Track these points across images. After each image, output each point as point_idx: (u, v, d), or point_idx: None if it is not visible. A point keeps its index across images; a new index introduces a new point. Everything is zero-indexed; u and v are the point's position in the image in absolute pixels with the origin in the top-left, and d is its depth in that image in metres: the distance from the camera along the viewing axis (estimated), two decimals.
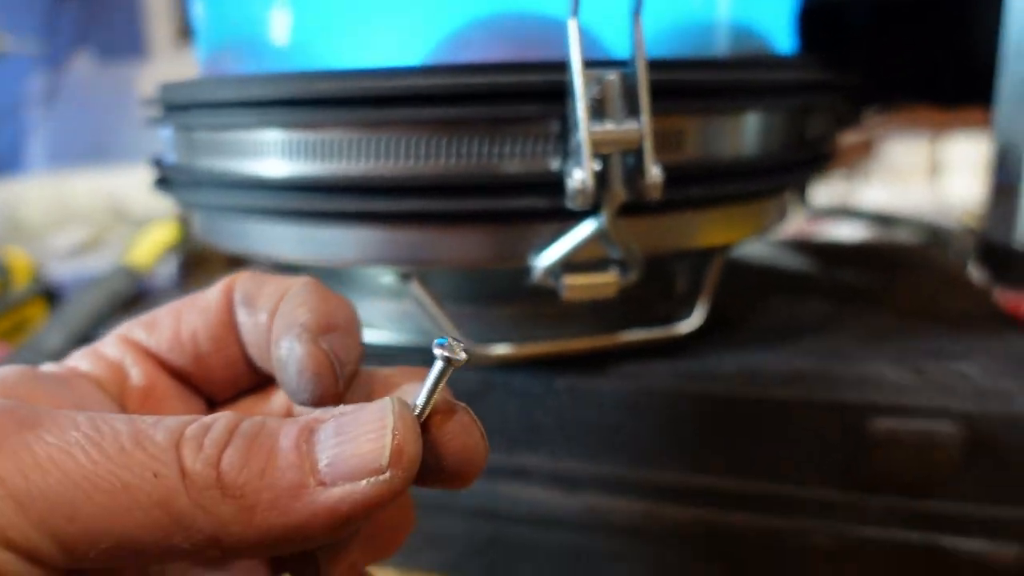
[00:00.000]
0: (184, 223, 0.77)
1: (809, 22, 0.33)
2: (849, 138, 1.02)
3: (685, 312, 0.32)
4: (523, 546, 0.31)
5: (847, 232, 0.77)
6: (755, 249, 0.48)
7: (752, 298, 0.38)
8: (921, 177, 1.01)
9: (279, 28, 0.29)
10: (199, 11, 0.33)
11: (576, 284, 0.27)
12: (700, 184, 0.27)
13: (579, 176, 0.23)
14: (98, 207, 0.87)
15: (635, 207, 0.26)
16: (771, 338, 0.32)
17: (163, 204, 0.88)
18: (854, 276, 0.42)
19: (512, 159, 0.25)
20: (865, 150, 1.06)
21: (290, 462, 0.14)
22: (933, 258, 0.47)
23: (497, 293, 0.32)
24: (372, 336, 0.34)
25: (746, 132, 0.28)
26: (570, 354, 0.29)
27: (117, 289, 0.68)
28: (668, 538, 0.29)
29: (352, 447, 0.14)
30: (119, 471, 0.14)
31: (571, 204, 0.24)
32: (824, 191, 0.94)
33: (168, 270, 0.79)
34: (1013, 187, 0.30)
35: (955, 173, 1.01)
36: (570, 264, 0.27)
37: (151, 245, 0.77)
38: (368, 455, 0.14)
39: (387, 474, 0.14)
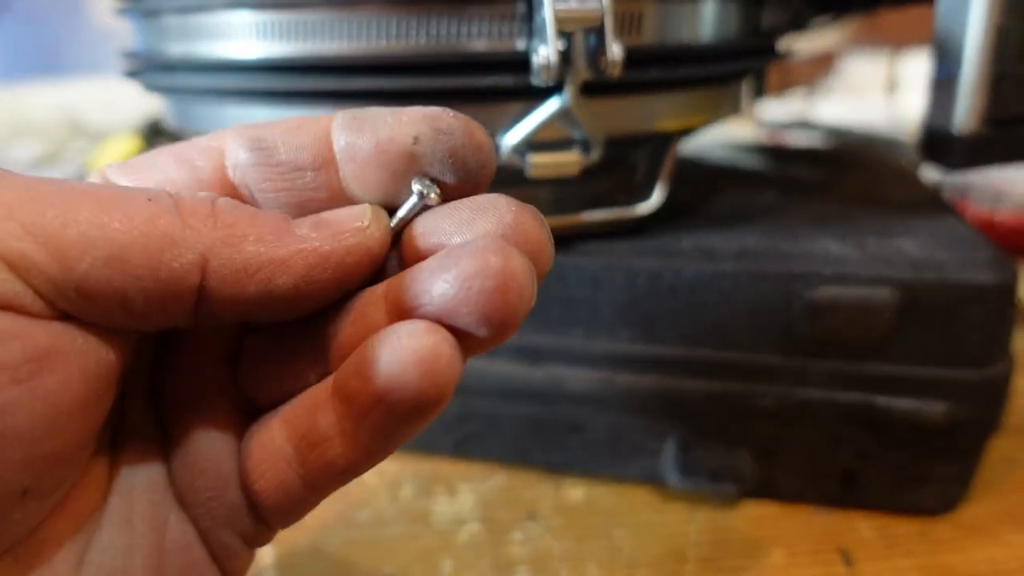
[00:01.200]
0: (144, 136, 0.76)
1: None
2: (810, 54, 1.04)
3: (644, 197, 0.33)
4: (490, 419, 0.33)
5: (808, 141, 0.78)
6: (712, 150, 0.50)
7: (707, 190, 0.39)
8: (880, 93, 1.03)
9: None
10: None
11: (541, 162, 0.28)
12: (658, 67, 0.28)
13: (544, 52, 0.24)
14: (54, 121, 0.85)
15: (597, 87, 0.27)
16: (723, 222, 0.34)
17: (121, 117, 0.86)
18: (805, 172, 0.44)
19: (479, 38, 0.26)
20: (825, 66, 1.07)
21: (276, 217, 0.16)
22: (883, 159, 0.49)
23: None
24: None
25: (702, 18, 0.29)
26: None
27: None
28: (624, 405, 0.31)
29: (334, 215, 0.16)
30: (115, 191, 0.15)
31: (536, 80, 0.25)
32: (784, 107, 0.95)
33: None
34: (952, 76, 0.32)
35: (913, 89, 1.03)
36: (535, 143, 0.28)
37: (111, 159, 0.76)
38: (348, 215, 0.16)
39: (367, 227, 0.16)
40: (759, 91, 0.42)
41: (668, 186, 0.32)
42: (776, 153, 0.50)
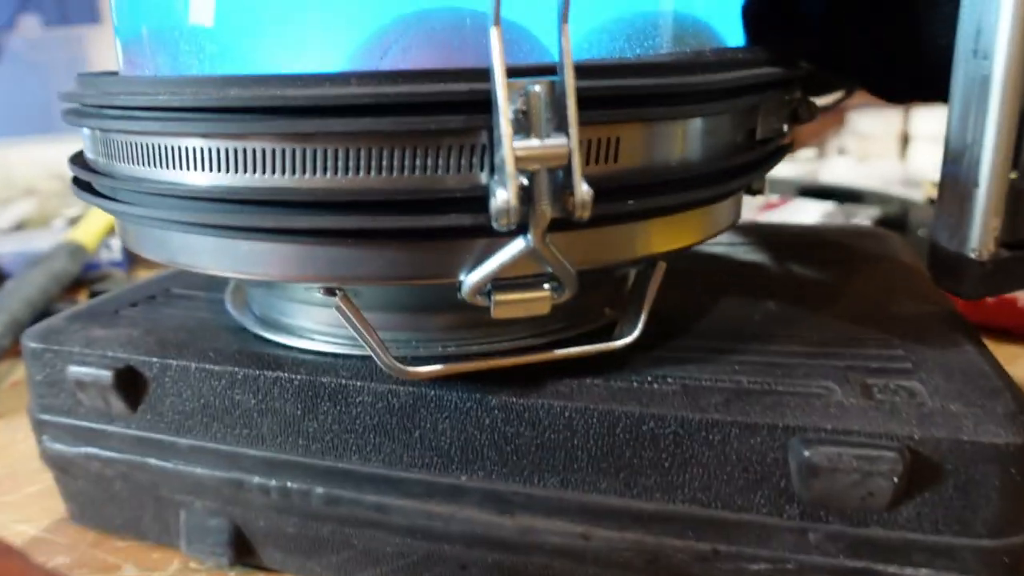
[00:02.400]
0: None
1: (758, 11, 0.31)
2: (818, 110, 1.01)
3: (629, 315, 0.30)
4: (458, 565, 0.30)
5: (813, 208, 0.76)
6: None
7: (698, 298, 0.36)
8: (892, 148, 1.00)
9: (195, 18, 0.27)
10: None
11: (507, 301, 0.25)
12: (638, 195, 0.25)
13: (502, 196, 0.22)
14: (44, 180, 0.84)
15: (568, 222, 0.24)
16: (714, 348, 0.31)
17: None
18: (808, 268, 0.41)
19: (436, 173, 0.23)
20: (835, 122, 1.05)
21: None
22: (892, 245, 0.46)
23: (430, 303, 0.30)
24: (307, 344, 0.32)
25: (688, 137, 0.27)
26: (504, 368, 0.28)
27: (60, 269, 0.65)
28: (604, 561, 0.28)
29: None
30: None
31: (496, 225, 0.22)
32: (793, 167, 0.93)
33: (116, 247, 0.76)
34: (967, 191, 0.29)
35: (926, 144, 1.00)
36: (501, 280, 0.25)
37: (97, 222, 0.74)
38: None
39: None
40: (759, 191, 0.39)
41: (650, 311, 0.29)
42: (778, 238, 0.47)
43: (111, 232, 0.71)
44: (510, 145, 0.21)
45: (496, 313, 0.25)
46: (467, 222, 0.23)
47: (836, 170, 0.89)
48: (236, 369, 0.31)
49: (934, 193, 0.72)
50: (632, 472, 0.27)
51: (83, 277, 0.70)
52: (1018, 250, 0.29)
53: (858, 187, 0.79)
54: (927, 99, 0.32)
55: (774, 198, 0.79)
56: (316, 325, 0.32)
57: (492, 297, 0.25)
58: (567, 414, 0.27)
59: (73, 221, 0.79)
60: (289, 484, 0.31)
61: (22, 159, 0.84)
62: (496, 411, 0.28)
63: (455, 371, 0.27)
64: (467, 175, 0.23)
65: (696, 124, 0.27)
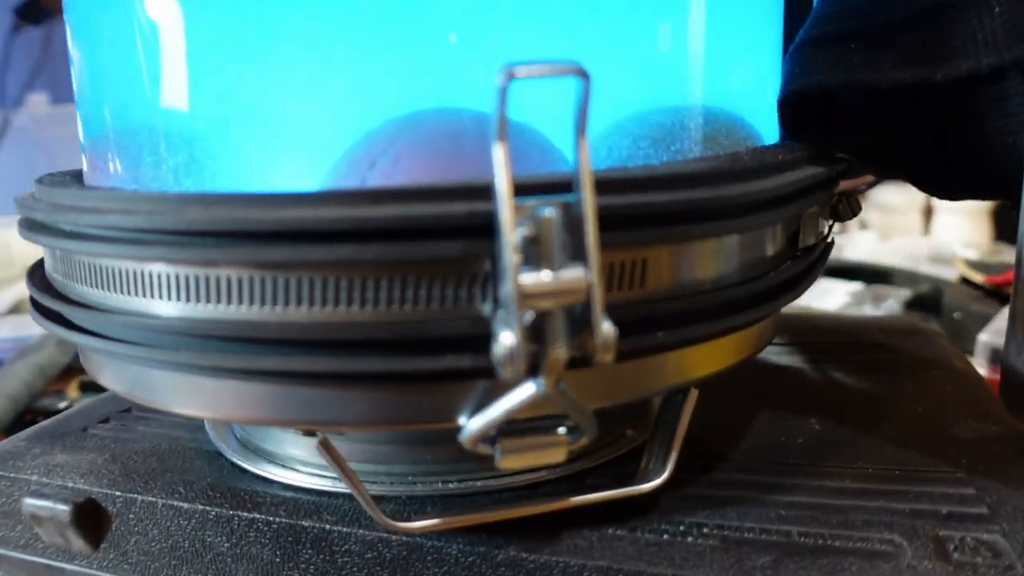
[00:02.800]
0: None
1: (797, 103, 0.28)
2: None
3: (657, 449, 0.26)
4: None
5: (839, 289, 0.72)
6: None
7: (729, 416, 0.32)
8: (915, 222, 0.96)
9: (158, 120, 0.24)
10: (78, 89, 0.28)
11: (514, 448, 0.21)
12: (669, 325, 0.22)
13: (507, 340, 0.18)
14: None
15: (587, 361, 0.20)
16: (755, 483, 0.27)
17: None
18: (851, 376, 0.37)
19: (429, 307, 0.20)
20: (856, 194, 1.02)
21: None
22: (939, 346, 0.42)
23: (428, 434, 0.26)
24: (289, 478, 0.28)
25: (726, 254, 0.23)
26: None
27: (46, 361, 0.62)
28: None
29: None
30: None
31: (500, 372, 0.19)
32: None
33: None
34: None
35: (951, 216, 0.97)
36: (508, 425, 0.21)
37: None
38: None
39: None
40: None
41: (681, 447, 0.26)
42: (812, 336, 0.43)
43: None
44: (516, 279, 0.18)
45: (503, 463, 0.21)
46: (466, 364, 0.20)
47: (859, 246, 0.85)
48: (208, 508, 0.27)
49: (967, 272, 0.67)
50: None
51: (74, 365, 0.67)
52: None
53: (885, 265, 0.75)
54: (988, 197, 0.29)
55: None
56: (302, 453, 0.29)
57: (497, 445, 0.21)
58: (587, 575, 0.23)
59: None
60: None
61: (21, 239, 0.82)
62: (504, 568, 0.24)
63: (453, 525, 0.23)
64: (466, 309, 0.20)
65: (732, 239, 0.23)
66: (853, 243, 0.87)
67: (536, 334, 0.19)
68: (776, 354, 0.41)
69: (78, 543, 0.29)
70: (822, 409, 0.33)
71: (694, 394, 0.26)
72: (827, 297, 0.69)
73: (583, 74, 0.17)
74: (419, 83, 0.22)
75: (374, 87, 0.22)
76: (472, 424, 0.21)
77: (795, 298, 0.26)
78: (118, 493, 0.29)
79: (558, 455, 0.22)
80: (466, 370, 0.20)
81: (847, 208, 0.33)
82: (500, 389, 0.20)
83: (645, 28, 0.24)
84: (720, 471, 0.28)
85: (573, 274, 0.18)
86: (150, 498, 0.28)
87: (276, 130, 0.22)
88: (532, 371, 0.20)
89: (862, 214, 0.99)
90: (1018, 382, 0.26)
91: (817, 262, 0.28)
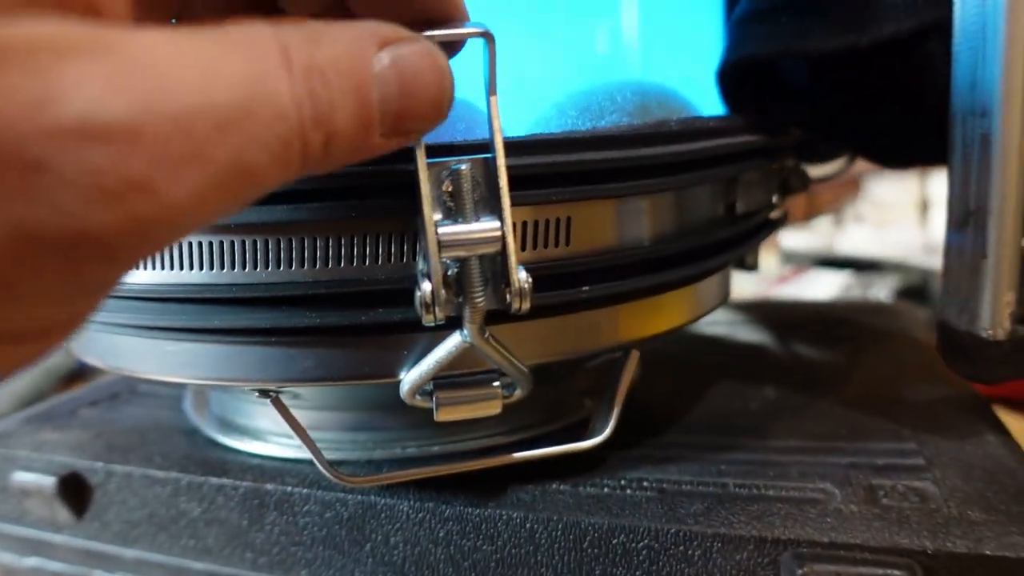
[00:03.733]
0: None
1: (733, 76, 0.29)
2: (833, 176, 0.98)
3: (602, 410, 0.27)
4: None
5: (829, 279, 0.72)
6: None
7: (689, 386, 0.33)
8: (911, 215, 0.96)
9: None
10: None
11: (451, 400, 0.23)
12: (595, 280, 0.23)
13: (427, 287, 0.19)
14: None
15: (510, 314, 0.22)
16: (701, 444, 0.28)
17: None
18: (814, 349, 0.38)
19: (364, 264, 0.21)
20: (852, 189, 1.02)
21: None
22: (907, 320, 0.42)
23: (386, 402, 0.28)
24: (257, 448, 0.30)
25: (652, 215, 0.24)
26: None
27: (53, 363, 0.64)
28: None
29: None
30: None
31: (424, 320, 0.20)
32: (809, 236, 0.90)
33: None
34: (974, 263, 0.26)
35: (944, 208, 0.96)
36: (444, 378, 0.23)
37: None
38: None
39: None
40: (751, 267, 0.36)
41: (623, 406, 0.27)
42: (784, 316, 0.44)
43: None
44: (433, 230, 0.19)
45: (440, 415, 0.23)
46: (396, 317, 0.21)
47: (854, 239, 0.85)
48: (181, 475, 0.29)
49: None
50: None
51: (83, 368, 0.69)
52: None
53: (876, 257, 0.76)
54: (928, 162, 0.30)
55: (787, 270, 0.76)
56: (270, 424, 0.30)
57: (434, 397, 0.23)
58: (528, 526, 0.24)
59: None
60: None
61: None
62: (451, 522, 0.25)
63: (397, 479, 0.25)
64: (397, 265, 0.21)
65: (659, 200, 0.24)
66: (847, 236, 0.87)
67: (457, 288, 0.20)
68: (742, 332, 0.42)
69: (63, 514, 0.31)
70: (780, 379, 0.34)
71: (635, 355, 0.27)
72: (816, 288, 0.69)
73: (488, 36, 0.18)
74: None
75: None
76: (408, 376, 0.22)
77: (728, 261, 0.27)
78: (99, 465, 0.30)
79: (493, 407, 0.23)
80: (398, 323, 0.21)
81: (798, 180, 0.34)
82: (435, 343, 0.22)
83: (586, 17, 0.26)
84: (669, 435, 0.29)
85: (487, 225, 0.19)
86: (129, 468, 0.30)
87: None
88: (457, 323, 0.21)
89: (858, 208, 0.98)
90: (953, 337, 0.27)
91: (758, 229, 0.29)
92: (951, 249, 0.27)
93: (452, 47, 0.18)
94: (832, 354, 0.37)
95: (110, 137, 0.11)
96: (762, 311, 0.46)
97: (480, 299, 0.20)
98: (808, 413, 0.30)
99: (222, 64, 0.13)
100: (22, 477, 0.32)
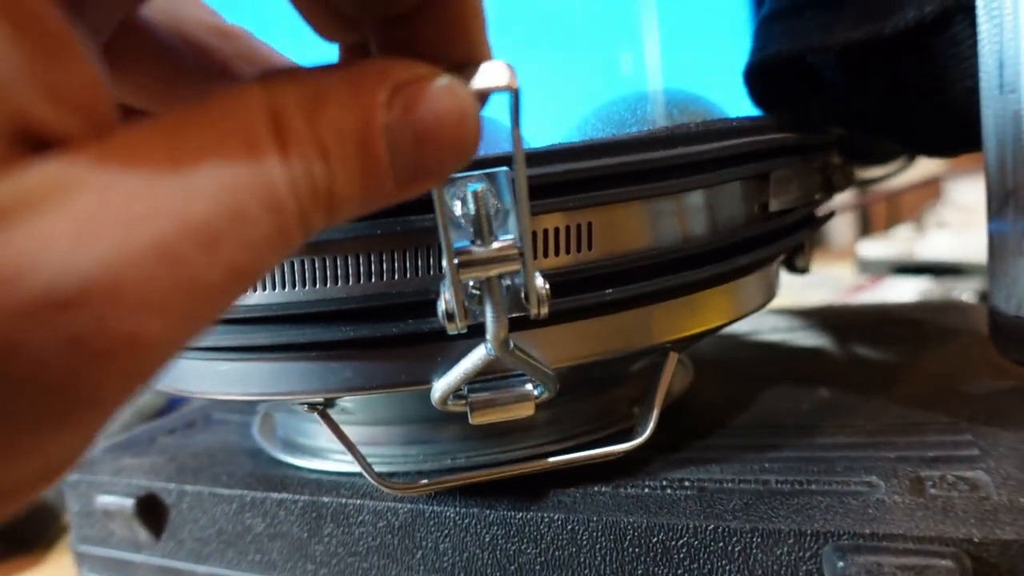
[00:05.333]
0: None
1: (761, 73, 0.29)
2: (913, 182, 0.95)
3: (643, 414, 0.28)
4: None
5: (908, 286, 0.70)
6: (767, 323, 0.43)
7: (738, 391, 0.33)
8: None
9: None
10: None
11: (483, 403, 0.23)
12: (620, 282, 0.23)
13: (445, 302, 0.20)
14: None
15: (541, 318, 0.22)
16: (747, 445, 0.28)
17: None
18: (873, 349, 0.37)
19: (393, 279, 0.22)
20: (932, 194, 0.98)
21: None
22: (975, 316, 0.41)
23: (435, 414, 0.28)
24: (315, 464, 0.31)
25: (676, 216, 0.25)
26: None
27: (144, 403, 0.68)
28: None
29: None
30: None
31: (448, 330, 0.21)
32: (888, 244, 0.87)
33: None
34: (1018, 244, 0.25)
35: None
36: (478, 381, 0.23)
37: None
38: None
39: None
40: (799, 269, 0.36)
41: (661, 408, 0.27)
42: (844, 321, 0.43)
43: None
44: (450, 251, 0.20)
45: (475, 419, 0.23)
46: (426, 327, 0.22)
47: (935, 244, 0.82)
48: (245, 492, 0.30)
49: None
50: None
51: (172, 404, 0.73)
52: None
53: (957, 260, 0.73)
54: (966, 149, 0.29)
55: (864, 279, 0.74)
56: (328, 443, 0.31)
57: (468, 399, 0.23)
58: (570, 527, 0.25)
59: None
60: None
61: None
62: (495, 526, 0.26)
63: (440, 485, 0.25)
64: (425, 278, 0.22)
65: (685, 202, 0.25)
66: (928, 242, 0.84)
67: (474, 304, 0.21)
68: (801, 337, 0.41)
69: (143, 534, 0.33)
70: (835, 379, 0.33)
71: (673, 357, 0.27)
72: (894, 295, 0.67)
73: (514, 91, 0.18)
74: None
75: None
76: (437, 385, 0.23)
77: (761, 259, 0.27)
78: (172, 486, 0.32)
79: (526, 409, 0.24)
80: (428, 333, 0.22)
81: (841, 178, 0.33)
82: (466, 351, 0.23)
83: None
84: (713, 438, 0.29)
85: (504, 243, 0.20)
86: (199, 487, 0.31)
87: None
88: (480, 331, 0.22)
89: (940, 214, 0.95)
90: (1003, 323, 0.26)
91: (795, 227, 0.29)
92: (994, 235, 0.26)
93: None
94: (892, 353, 0.36)
95: (88, 300, 0.10)
96: (824, 315, 0.45)
97: (500, 315, 0.21)
98: (862, 411, 0.30)
99: (203, 167, 0.12)
100: (104, 500, 0.34)
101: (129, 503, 0.33)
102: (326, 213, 0.13)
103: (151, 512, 0.33)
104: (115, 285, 0.11)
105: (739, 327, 0.43)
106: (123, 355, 0.11)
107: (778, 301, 0.32)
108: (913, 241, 0.85)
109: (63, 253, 0.10)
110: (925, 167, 0.92)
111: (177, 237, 0.11)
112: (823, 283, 0.78)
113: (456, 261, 0.20)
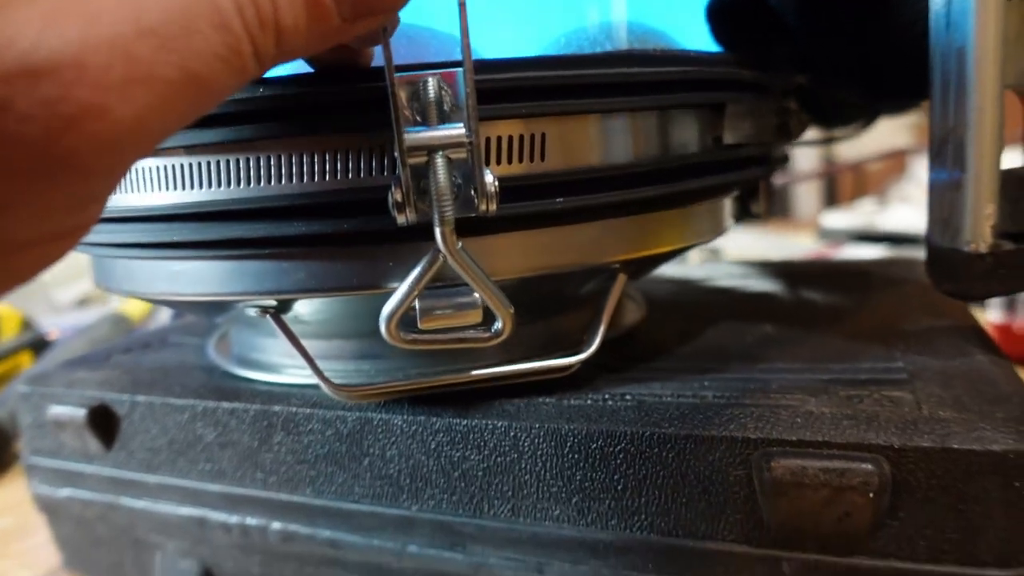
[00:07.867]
0: None
1: (722, 11, 0.30)
2: (878, 155, 0.97)
3: (589, 332, 0.28)
4: None
5: (865, 253, 0.71)
6: (721, 271, 0.44)
7: (688, 326, 0.34)
8: None
9: None
10: None
11: (431, 309, 0.24)
12: (570, 193, 0.24)
13: (393, 197, 0.21)
14: None
15: (492, 222, 0.23)
16: (689, 367, 0.28)
17: None
18: (821, 294, 0.38)
19: (347, 177, 0.23)
20: (897, 168, 1.00)
21: None
22: (920, 270, 0.42)
23: (376, 326, 0.29)
24: (267, 377, 0.31)
25: (629, 135, 0.25)
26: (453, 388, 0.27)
27: (102, 335, 0.68)
28: None
29: None
30: None
31: (397, 220, 0.21)
32: (852, 216, 0.88)
33: (163, 320, 0.78)
34: (954, 179, 0.26)
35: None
36: (429, 290, 0.24)
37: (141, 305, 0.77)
38: None
39: None
40: (752, 210, 0.37)
41: (606, 327, 0.27)
42: (796, 272, 0.44)
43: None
44: (401, 134, 0.20)
45: (423, 323, 0.24)
46: (378, 225, 0.22)
47: (896, 217, 0.84)
48: (197, 402, 0.30)
49: None
50: (585, 497, 0.25)
51: None
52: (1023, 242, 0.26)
53: (917, 233, 0.74)
54: (922, 97, 0.30)
55: (823, 245, 0.75)
56: (281, 358, 0.32)
57: (416, 306, 0.24)
58: (512, 434, 0.25)
59: None
60: (248, 520, 0.30)
61: None
62: (441, 433, 0.26)
63: (387, 389, 0.26)
64: (379, 177, 0.23)
65: (639, 121, 0.25)
66: (891, 216, 0.86)
67: (419, 194, 0.21)
68: (754, 285, 0.42)
69: (93, 444, 0.33)
70: (781, 318, 0.34)
71: (621, 278, 0.28)
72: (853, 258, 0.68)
73: None
74: None
75: None
76: (389, 303, 0.23)
77: (711, 187, 0.28)
78: (125, 396, 0.32)
79: (474, 317, 0.24)
80: (380, 231, 0.23)
81: (797, 124, 0.34)
82: (418, 258, 0.23)
83: None
84: (660, 362, 0.30)
85: (453, 129, 0.21)
86: (151, 398, 0.32)
87: None
88: (430, 231, 0.22)
89: (904, 189, 0.96)
90: (938, 256, 0.27)
91: (747, 162, 0.30)
92: (933, 174, 0.27)
93: None
94: (837, 298, 0.37)
95: (56, 71, 0.13)
96: (777, 267, 0.46)
97: (448, 200, 0.21)
98: (804, 344, 0.31)
99: None
100: (56, 411, 0.34)
101: (81, 413, 0.33)
102: (276, 43, 0.15)
103: (103, 422, 0.33)
104: (78, 62, 0.13)
105: (694, 273, 0.44)
106: (91, 122, 0.13)
107: None
108: (876, 214, 0.86)
109: (34, 33, 0.12)
110: (891, 138, 0.93)
111: (133, 36, 0.13)
112: (784, 249, 0.79)
113: (405, 142, 0.20)
